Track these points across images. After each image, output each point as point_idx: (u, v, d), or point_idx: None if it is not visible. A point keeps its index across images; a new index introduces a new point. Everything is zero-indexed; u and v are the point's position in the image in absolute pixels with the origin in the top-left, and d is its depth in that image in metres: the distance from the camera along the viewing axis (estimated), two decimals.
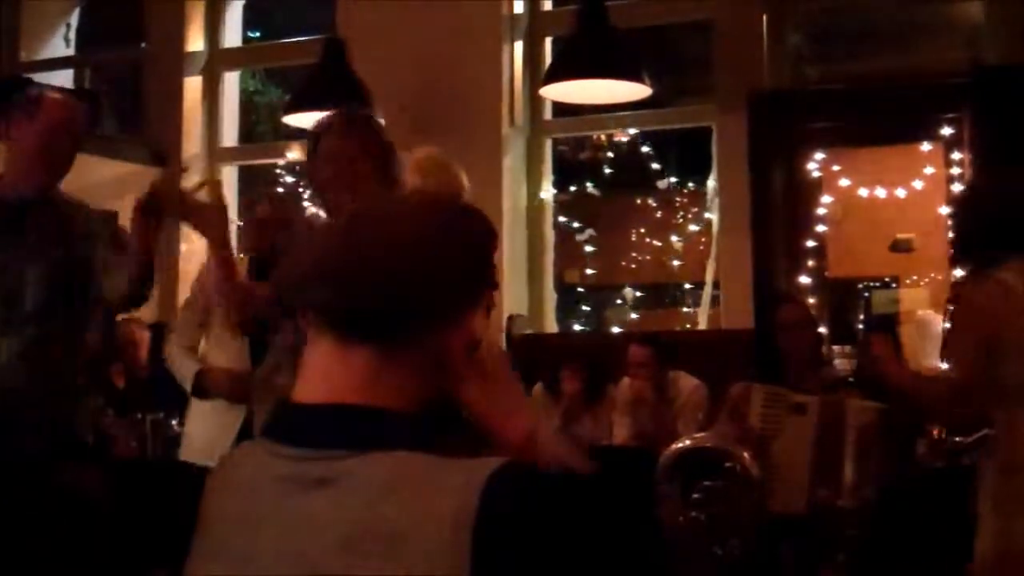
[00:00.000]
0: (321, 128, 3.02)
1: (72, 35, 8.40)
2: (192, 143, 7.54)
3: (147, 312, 6.34)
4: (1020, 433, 3.02)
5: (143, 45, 7.92)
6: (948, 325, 3.24)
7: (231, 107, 7.88)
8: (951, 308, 3.30)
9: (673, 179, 8.09)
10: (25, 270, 3.19)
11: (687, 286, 8.36)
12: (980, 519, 3.08)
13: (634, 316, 8.90)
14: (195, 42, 7.70)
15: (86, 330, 3.36)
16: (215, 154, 7.66)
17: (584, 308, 9.02)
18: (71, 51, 8.41)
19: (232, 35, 7.90)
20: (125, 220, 3.21)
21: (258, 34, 8.52)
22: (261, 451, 1.29)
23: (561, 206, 7.31)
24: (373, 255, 1.27)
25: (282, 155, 7.52)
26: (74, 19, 8.42)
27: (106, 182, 6.89)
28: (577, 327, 8.45)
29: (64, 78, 8.16)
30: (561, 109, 6.91)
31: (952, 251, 3.32)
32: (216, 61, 7.73)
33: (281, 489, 1.24)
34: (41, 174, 3.29)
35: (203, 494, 1.35)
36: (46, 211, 3.27)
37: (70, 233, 3.29)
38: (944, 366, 3.25)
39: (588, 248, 7.92)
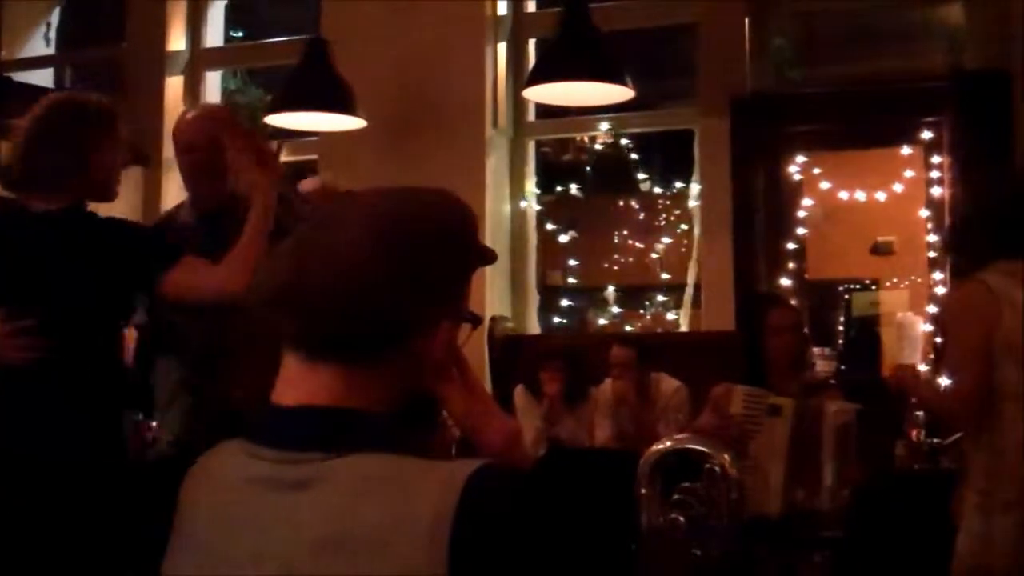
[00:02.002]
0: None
1: (52, 34, 8.36)
2: None
3: None
4: (1006, 437, 3.04)
5: (124, 44, 7.89)
6: (931, 329, 3.29)
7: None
8: (935, 313, 3.36)
9: (656, 182, 8.10)
10: None
11: (669, 288, 8.37)
12: (964, 518, 3.11)
13: (616, 318, 8.91)
14: (177, 41, 7.68)
15: None
16: None
17: (566, 309, 9.03)
18: (51, 50, 8.38)
19: (214, 35, 7.88)
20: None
21: (241, 34, 8.50)
22: (239, 452, 1.29)
23: (544, 208, 7.31)
24: (326, 280, 1.24)
25: None
26: (54, 18, 8.38)
27: None
28: (559, 328, 8.45)
29: (44, 77, 8.13)
30: (544, 111, 6.92)
31: (944, 242, 3.37)
32: (198, 61, 7.71)
33: (259, 490, 1.23)
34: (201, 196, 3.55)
35: (181, 494, 1.35)
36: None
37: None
38: (924, 369, 3.30)
39: (571, 250, 7.91)
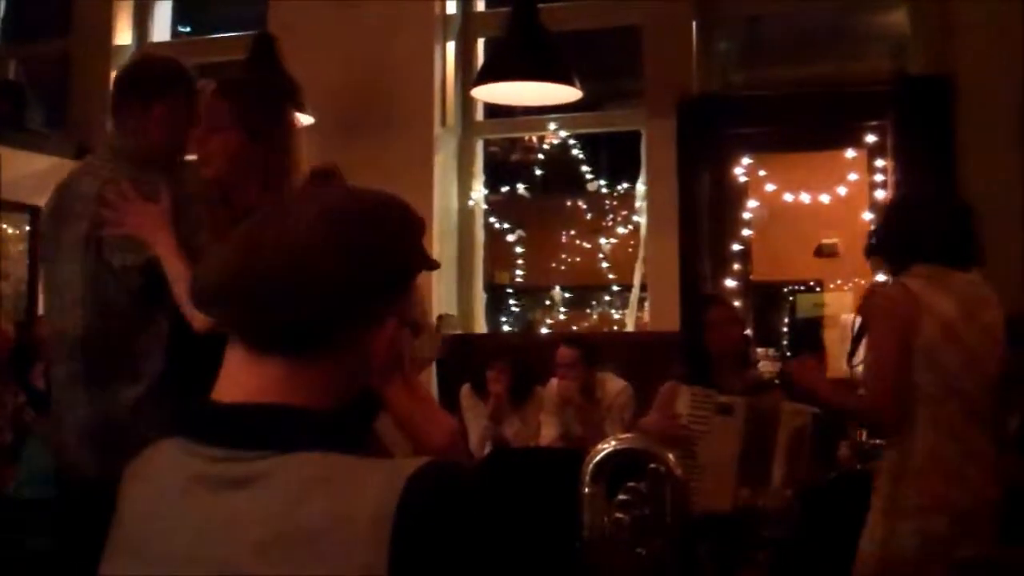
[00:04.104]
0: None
1: None
2: None
3: None
4: (915, 442, 3.07)
5: (70, 38, 7.81)
6: (858, 329, 3.33)
7: None
8: (858, 315, 3.39)
9: (603, 182, 8.12)
10: None
11: (615, 288, 8.40)
12: (868, 520, 3.14)
13: (563, 317, 8.93)
14: (123, 36, 7.61)
15: None
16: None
17: (513, 309, 9.04)
18: None
19: (161, 30, 7.82)
20: None
21: (188, 29, 8.44)
22: (177, 450, 1.28)
23: (492, 207, 7.32)
24: (275, 270, 1.24)
25: None
26: None
27: (29, 176, 6.80)
28: (506, 327, 8.46)
29: None
30: (492, 110, 6.93)
31: (866, 246, 3.42)
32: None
33: (197, 489, 1.22)
34: None
35: (119, 492, 1.34)
36: None
37: None
38: (858, 369, 3.34)
39: (518, 249, 7.91)
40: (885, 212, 3.42)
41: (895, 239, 3.32)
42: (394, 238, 1.33)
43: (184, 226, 2.89)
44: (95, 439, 2.84)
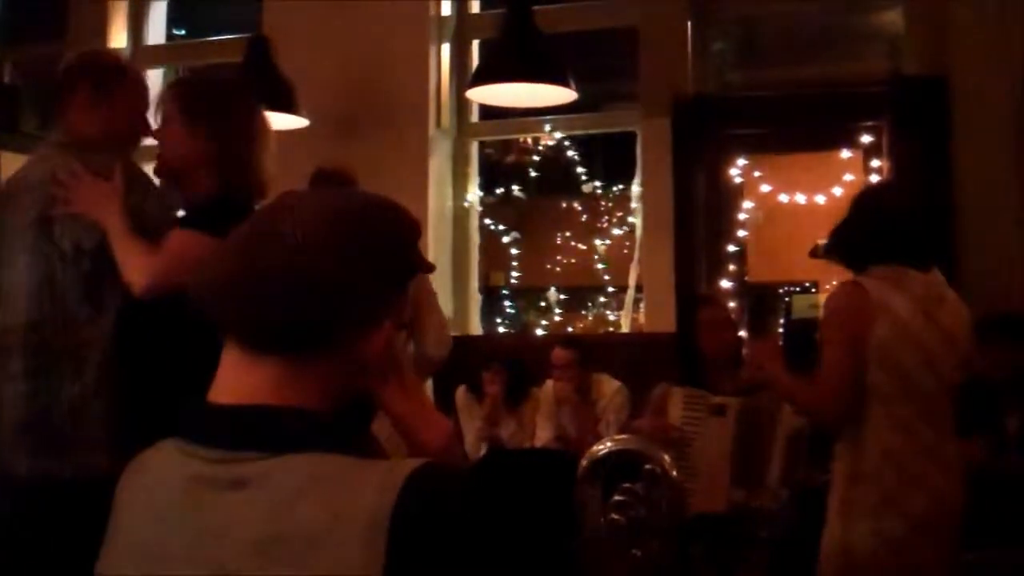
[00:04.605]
0: None
1: None
2: None
3: None
4: (869, 441, 3.06)
5: (65, 41, 7.79)
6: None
7: (154, 105, 7.75)
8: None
9: (598, 183, 8.12)
10: None
11: (611, 289, 8.40)
12: (827, 519, 3.13)
13: (558, 319, 8.92)
14: (118, 39, 7.60)
15: None
16: (137, 151, 7.54)
17: (509, 310, 9.04)
18: None
19: (156, 33, 7.81)
20: None
21: (183, 32, 8.43)
22: (175, 451, 1.28)
23: (487, 209, 7.32)
24: (273, 270, 1.24)
25: None
26: None
27: None
28: (501, 329, 8.46)
29: None
30: (487, 112, 6.92)
31: (825, 246, 3.42)
32: (139, 58, 7.62)
33: (195, 490, 1.22)
34: None
35: (117, 492, 1.34)
36: None
37: None
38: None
39: (513, 251, 7.92)
40: (845, 212, 3.41)
41: (853, 239, 3.32)
42: (391, 239, 1.34)
43: (135, 195, 2.92)
44: (32, 435, 2.77)
